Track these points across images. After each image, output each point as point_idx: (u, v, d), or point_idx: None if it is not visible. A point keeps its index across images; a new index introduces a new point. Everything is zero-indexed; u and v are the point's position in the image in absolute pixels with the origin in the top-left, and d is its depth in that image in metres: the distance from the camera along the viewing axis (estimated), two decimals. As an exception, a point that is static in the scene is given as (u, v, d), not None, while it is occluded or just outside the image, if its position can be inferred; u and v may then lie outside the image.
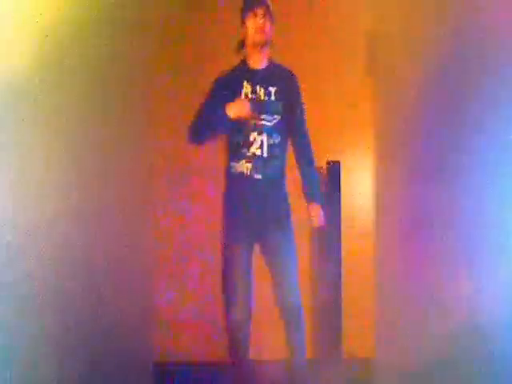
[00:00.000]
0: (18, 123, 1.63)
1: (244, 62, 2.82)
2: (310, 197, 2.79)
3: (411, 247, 1.65)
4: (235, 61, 2.88)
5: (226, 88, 2.75)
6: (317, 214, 2.77)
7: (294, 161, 2.85)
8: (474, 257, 1.54)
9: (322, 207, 2.78)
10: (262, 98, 2.72)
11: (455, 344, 1.53)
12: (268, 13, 2.73)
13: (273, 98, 2.73)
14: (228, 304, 2.71)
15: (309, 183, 2.82)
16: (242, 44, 2.82)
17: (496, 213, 1.52)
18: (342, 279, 3.75)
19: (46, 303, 1.66)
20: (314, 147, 3.82)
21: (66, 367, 1.71)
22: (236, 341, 2.74)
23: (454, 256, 1.57)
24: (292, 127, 2.79)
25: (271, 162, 2.70)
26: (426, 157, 1.64)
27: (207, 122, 2.74)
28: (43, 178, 1.68)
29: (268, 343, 3.35)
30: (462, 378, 1.52)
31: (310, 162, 2.87)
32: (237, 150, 2.70)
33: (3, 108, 1.58)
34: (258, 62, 2.78)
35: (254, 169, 2.68)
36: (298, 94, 2.81)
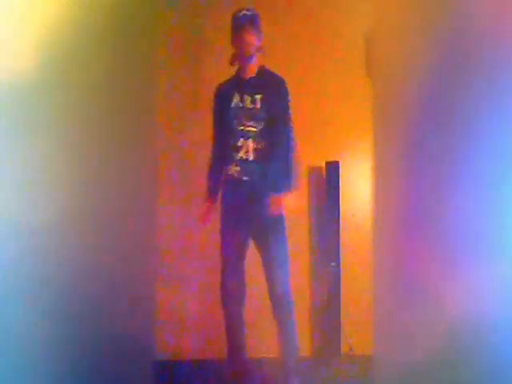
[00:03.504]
0: (20, 123, 1.65)
1: (237, 72, 2.98)
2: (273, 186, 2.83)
3: (410, 246, 1.67)
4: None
5: (222, 98, 2.95)
6: (276, 203, 2.79)
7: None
8: (474, 254, 1.56)
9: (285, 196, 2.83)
10: (249, 106, 2.87)
11: (455, 341, 1.55)
12: (253, 26, 2.85)
13: (258, 105, 2.87)
14: (223, 296, 2.90)
15: (274, 170, 2.84)
16: (234, 57, 2.96)
17: (495, 211, 1.54)
18: (341, 277, 3.78)
19: (47, 302, 1.67)
20: (313, 148, 3.85)
21: (67, 365, 1.72)
22: (231, 329, 2.90)
23: (453, 254, 1.58)
24: (277, 132, 2.86)
25: (257, 165, 2.84)
26: (425, 157, 1.66)
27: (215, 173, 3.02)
28: (46, 179, 1.70)
29: (265, 341, 3.37)
30: (462, 374, 1.53)
31: (284, 159, 2.88)
32: (229, 154, 2.88)
33: (5, 108, 1.60)
34: (248, 72, 2.94)
35: (242, 171, 2.84)
36: (285, 98, 2.90)
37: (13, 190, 1.62)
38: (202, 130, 3.80)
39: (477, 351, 1.51)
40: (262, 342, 3.43)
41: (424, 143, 1.65)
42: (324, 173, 3.84)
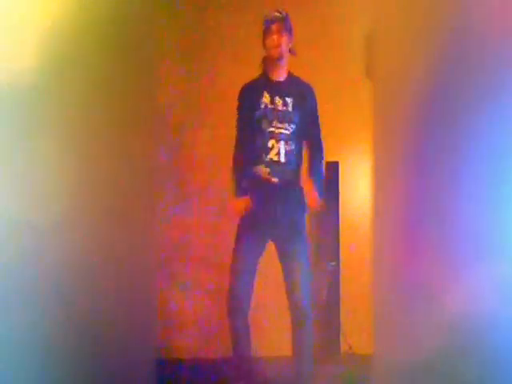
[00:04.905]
0: (20, 123, 1.65)
1: (265, 74, 2.94)
2: (312, 180, 2.88)
3: (410, 246, 1.67)
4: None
5: (249, 97, 2.89)
6: (313, 198, 2.84)
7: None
8: (474, 254, 1.56)
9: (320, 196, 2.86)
10: (280, 108, 2.87)
11: (455, 341, 1.55)
12: (284, 28, 2.84)
13: (290, 108, 2.87)
14: (229, 294, 2.82)
15: (315, 173, 2.92)
16: (265, 59, 2.92)
17: (495, 211, 1.54)
18: (341, 277, 3.78)
19: (47, 302, 1.67)
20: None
21: (68, 365, 1.72)
22: (236, 330, 2.82)
23: (453, 254, 1.58)
24: (307, 135, 2.92)
25: (287, 167, 2.84)
26: (424, 157, 1.65)
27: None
28: (46, 179, 1.70)
29: (268, 340, 3.37)
30: (462, 374, 1.53)
31: (321, 162, 3.00)
32: (257, 155, 2.84)
33: (5, 108, 1.60)
34: (277, 75, 2.92)
35: (272, 173, 2.81)
36: (315, 105, 2.94)
37: (13, 190, 1.62)
38: (205, 130, 3.82)
39: (477, 351, 1.51)
40: (267, 340, 3.42)
41: (424, 143, 1.64)
42: (324, 173, 3.83)
